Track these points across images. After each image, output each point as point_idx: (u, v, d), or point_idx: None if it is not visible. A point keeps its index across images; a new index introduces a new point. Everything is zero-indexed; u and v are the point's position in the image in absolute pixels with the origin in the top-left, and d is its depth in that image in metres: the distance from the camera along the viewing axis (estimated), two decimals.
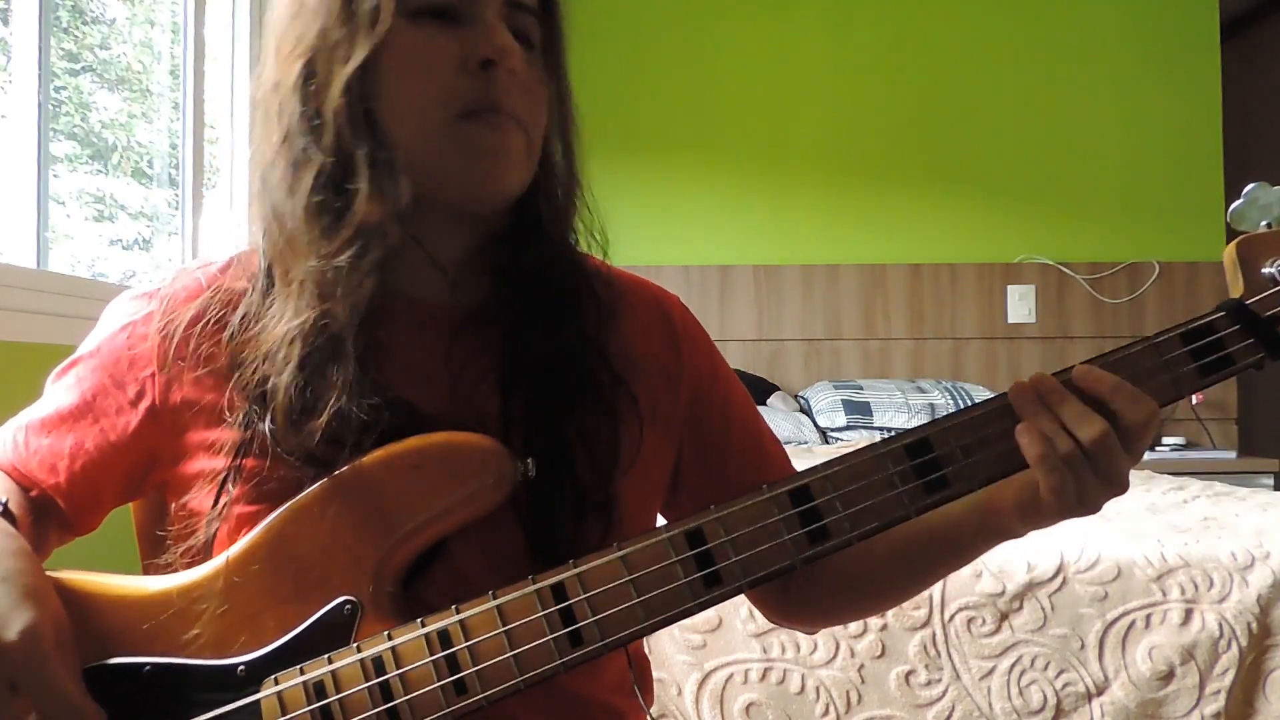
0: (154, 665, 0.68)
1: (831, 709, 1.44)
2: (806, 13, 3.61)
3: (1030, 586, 1.45)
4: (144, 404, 0.76)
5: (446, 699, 0.65)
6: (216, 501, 0.72)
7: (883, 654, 1.45)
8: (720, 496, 0.69)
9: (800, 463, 0.79)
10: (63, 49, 2.03)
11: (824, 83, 3.59)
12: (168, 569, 0.73)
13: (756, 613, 1.14)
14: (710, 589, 0.66)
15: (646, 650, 0.95)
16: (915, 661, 1.44)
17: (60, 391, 0.79)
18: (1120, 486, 0.68)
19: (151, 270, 2.27)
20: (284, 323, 0.72)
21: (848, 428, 3.10)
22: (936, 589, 1.45)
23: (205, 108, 2.30)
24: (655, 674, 1.43)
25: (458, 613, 0.66)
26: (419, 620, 0.66)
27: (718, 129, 3.59)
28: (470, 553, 0.73)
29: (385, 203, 0.72)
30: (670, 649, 1.46)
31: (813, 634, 1.44)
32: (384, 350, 0.74)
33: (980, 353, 3.53)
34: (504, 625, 0.65)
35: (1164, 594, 1.45)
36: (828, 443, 3.08)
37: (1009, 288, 3.52)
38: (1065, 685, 1.43)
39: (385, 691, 0.65)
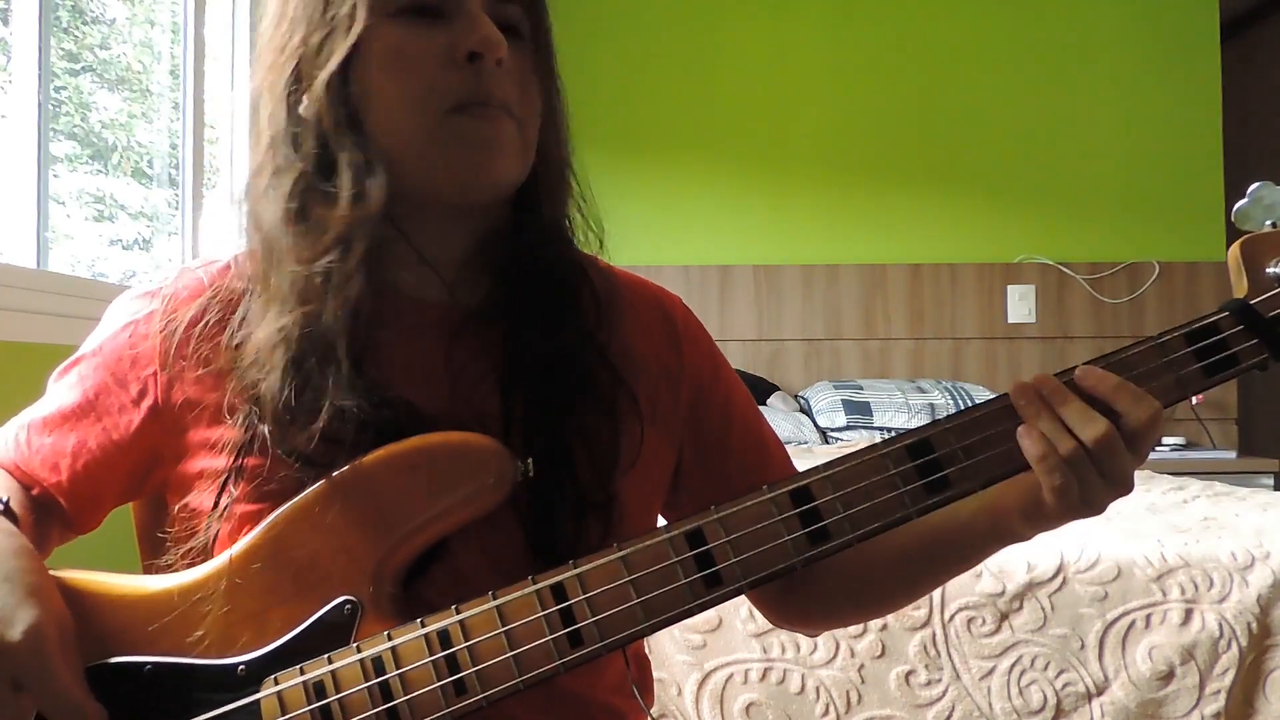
0: (154, 665, 0.68)
1: (831, 709, 1.44)
2: (806, 13, 3.60)
3: (1030, 586, 1.45)
4: (146, 403, 0.76)
5: (446, 699, 0.65)
6: (218, 501, 0.72)
7: (883, 654, 1.45)
8: (721, 496, 0.68)
9: (800, 463, 0.79)
10: (63, 49, 2.03)
11: (824, 83, 3.59)
12: (168, 569, 0.74)
13: (756, 613, 1.14)
14: (710, 590, 0.66)
15: (647, 650, 0.95)
16: (915, 661, 1.44)
17: (62, 390, 0.79)
18: (1125, 487, 0.68)
19: (151, 270, 2.27)
20: (266, 328, 0.72)
21: (848, 428, 3.10)
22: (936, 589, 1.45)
23: (205, 108, 2.30)
24: (655, 674, 1.43)
25: (458, 613, 0.66)
26: (419, 620, 0.66)
27: (718, 129, 3.59)
28: (470, 553, 0.73)
29: (368, 205, 0.72)
30: (670, 649, 1.46)
31: (814, 636, 1.44)
32: (383, 350, 0.74)
33: (980, 353, 3.53)
34: (504, 625, 0.65)
35: (1164, 594, 1.45)
36: (828, 443, 3.08)
37: (1009, 288, 3.52)
38: (1065, 685, 1.43)
39: (385, 691, 0.65)
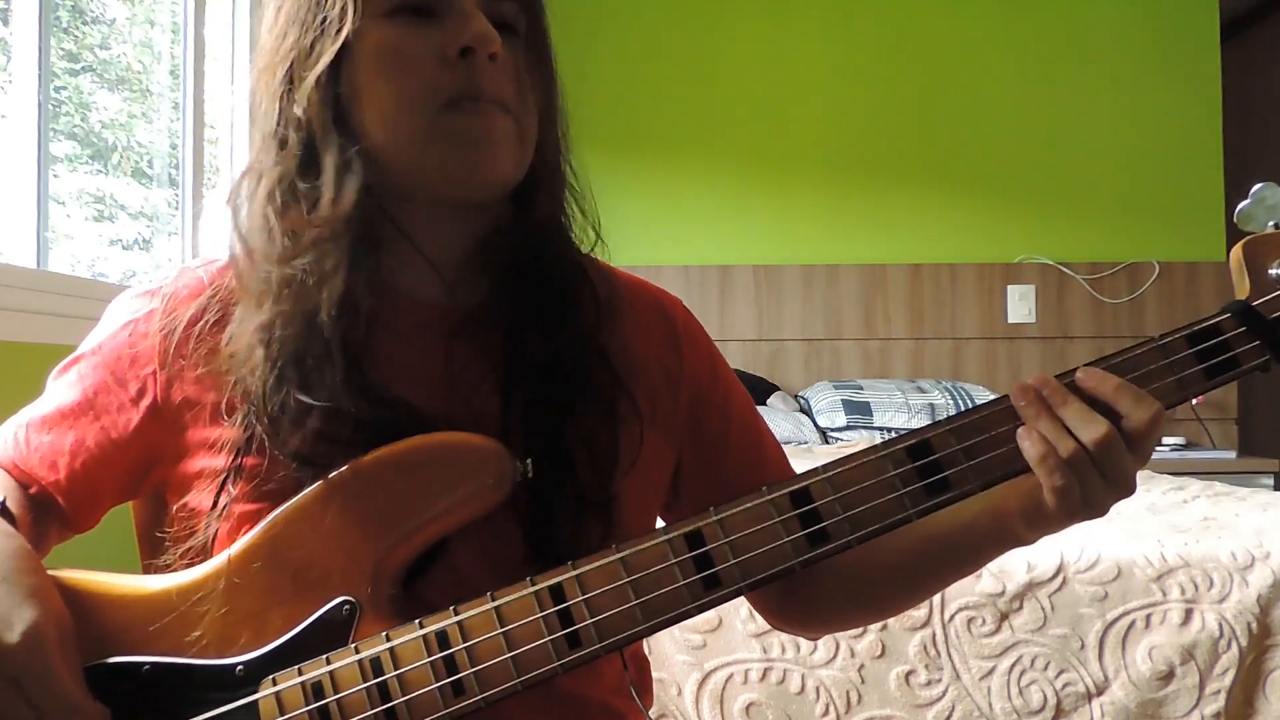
0: (153, 665, 0.67)
1: (831, 709, 1.43)
2: (806, 13, 3.60)
3: (1030, 586, 1.45)
4: (145, 402, 0.76)
5: (444, 700, 0.65)
6: (217, 501, 0.72)
7: (883, 654, 1.45)
8: (718, 497, 0.68)
9: (800, 463, 0.79)
10: (63, 49, 2.03)
11: (824, 83, 3.59)
12: (167, 569, 0.74)
13: (756, 612, 1.14)
14: (709, 591, 0.66)
15: (646, 651, 0.95)
16: (915, 661, 1.44)
17: (61, 389, 0.79)
18: (1127, 488, 0.67)
19: (151, 270, 2.27)
20: (246, 326, 0.73)
21: (848, 428, 3.10)
22: None
23: (205, 108, 2.30)
24: (655, 674, 1.43)
25: (456, 614, 0.66)
26: (417, 621, 0.66)
27: (718, 129, 3.59)
28: (469, 553, 0.73)
29: (341, 205, 0.72)
30: (670, 649, 1.46)
31: (815, 639, 1.44)
32: (382, 350, 0.74)
33: (980, 353, 3.53)
34: (502, 627, 0.65)
35: (1164, 594, 1.45)
36: (828, 443, 3.08)
37: (1009, 288, 3.52)
38: (1065, 685, 1.43)
39: (383, 692, 0.65)
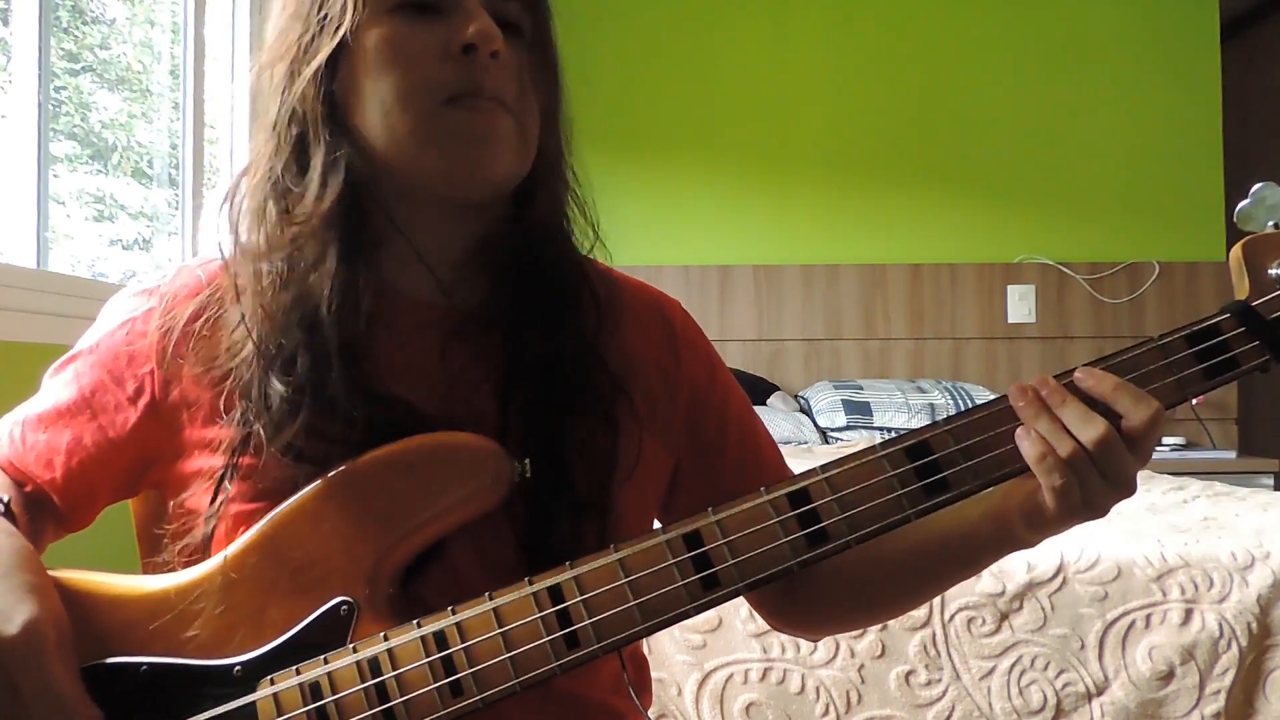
0: (150, 665, 0.67)
1: (831, 709, 1.43)
2: (806, 13, 3.60)
3: (1030, 586, 1.45)
4: (143, 401, 0.76)
5: (443, 700, 0.64)
6: (214, 499, 0.72)
7: (883, 654, 1.45)
8: (715, 500, 0.68)
9: (800, 463, 0.79)
10: (63, 49, 2.03)
11: (824, 83, 3.59)
12: (166, 567, 0.73)
13: (756, 613, 1.14)
14: (708, 591, 0.66)
15: (646, 651, 0.95)
16: (915, 661, 1.44)
17: (58, 387, 0.78)
18: (1127, 488, 0.67)
19: (152, 270, 2.26)
20: (244, 321, 0.73)
21: (848, 428, 3.10)
22: None
23: (205, 108, 2.30)
24: (655, 674, 1.43)
25: (454, 614, 0.66)
26: (415, 621, 0.66)
27: (718, 129, 3.59)
28: (467, 553, 0.73)
29: (323, 203, 0.72)
30: (670, 649, 1.46)
31: (816, 641, 1.43)
32: (380, 350, 0.74)
33: (980, 353, 3.53)
34: (500, 627, 0.65)
35: (1164, 594, 1.44)
36: (828, 443, 3.08)
37: (1009, 288, 3.52)
38: (1065, 685, 1.43)
39: (381, 693, 0.65)
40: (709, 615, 1.45)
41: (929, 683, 1.44)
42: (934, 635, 1.44)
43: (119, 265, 2.27)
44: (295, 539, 0.69)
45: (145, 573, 0.78)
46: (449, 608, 0.66)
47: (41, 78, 1.69)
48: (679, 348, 0.88)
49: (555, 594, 0.66)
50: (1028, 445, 0.66)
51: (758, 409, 3.01)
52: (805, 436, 3.02)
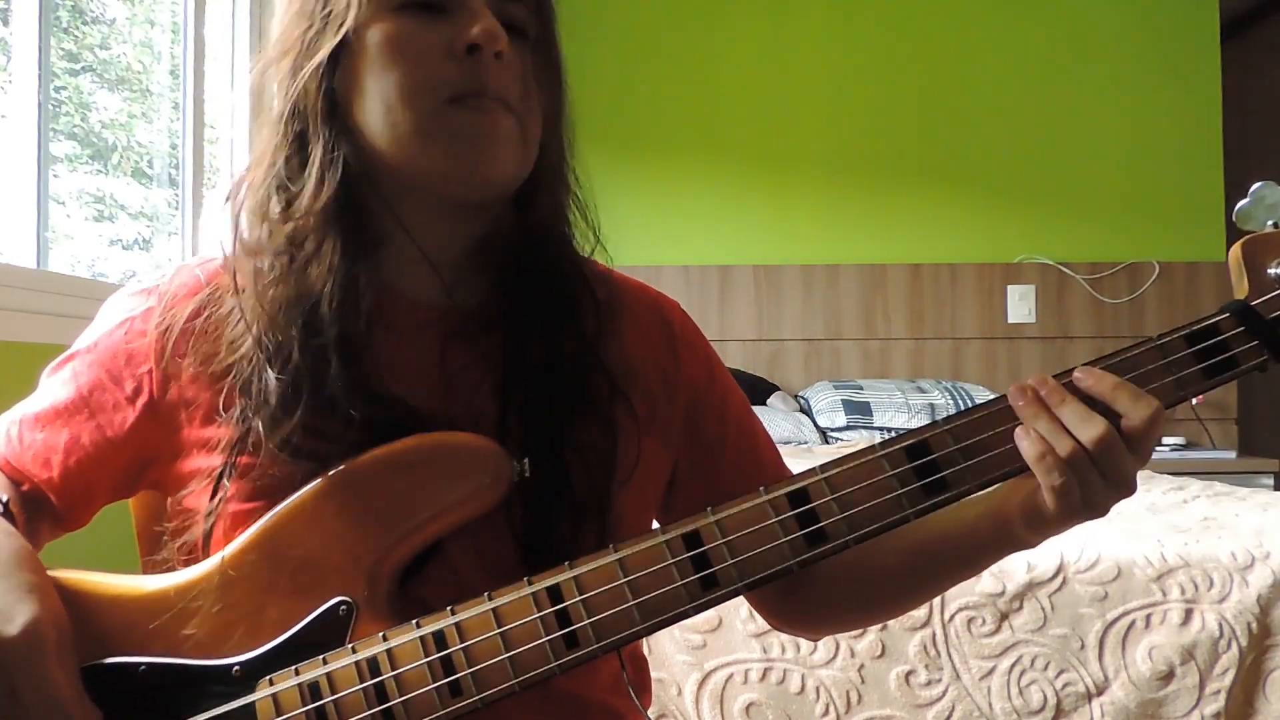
0: (149, 665, 0.67)
1: (831, 709, 1.43)
2: (806, 13, 3.60)
3: (1030, 586, 1.45)
4: (141, 400, 0.76)
5: (442, 700, 0.64)
6: (213, 498, 0.72)
7: (883, 654, 1.45)
8: (713, 500, 0.68)
9: (800, 463, 0.79)
10: (63, 49, 2.03)
11: (824, 83, 3.59)
12: (165, 565, 0.73)
13: (756, 613, 1.14)
14: (707, 591, 0.66)
15: (646, 651, 0.95)
16: (915, 661, 1.44)
17: (55, 386, 0.78)
18: (1127, 488, 0.67)
19: (152, 270, 2.26)
20: (245, 316, 0.73)
21: (848, 428, 3.10)
22: None
23: (205, 108, 2.30)
24: (655, 674, 1.43)
25: (453, 614, 0.66)
26: (414, 621, 0.66)
27: (718, 129, 3.59)
28: (465, 553, 0.73)
29: (319, 199, 0.73)
30: (670, 649, 1.46)
31: (816, 640, 1.43)
32: (379, 349, 0.74)
33: (980, 353, 3.53)
34: (500, 627, 0.65)
35: (1164, 594, 1.44)
36: (828, 443, 3.08)
37: (1009, 288, 3.52)
38: (1065, 685, 1.43)
39: (380, 693, 0.65)
40: (709, 615, 1.45)
41: (929, 683, 1.44)
42: (934, 635, 1.44)
43: (119, 265, 2.27)
44: (294, 538, 0.69)
45: (145, 571, 0.78)
46: (448, 608, 0.66)
47: (41, 78, 1.69)
48: (678, 349, 0.88)
49: (554, 594, 0.66)
50: (1027, 445, 0.66)
51: (758, 409, 2.99)
52: (805, 436, 3.02)
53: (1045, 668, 1.43)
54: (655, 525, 0.75)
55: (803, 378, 3.53)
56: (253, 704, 0.66)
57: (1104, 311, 3.50)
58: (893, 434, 0.77)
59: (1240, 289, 0.71)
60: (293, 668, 0.66)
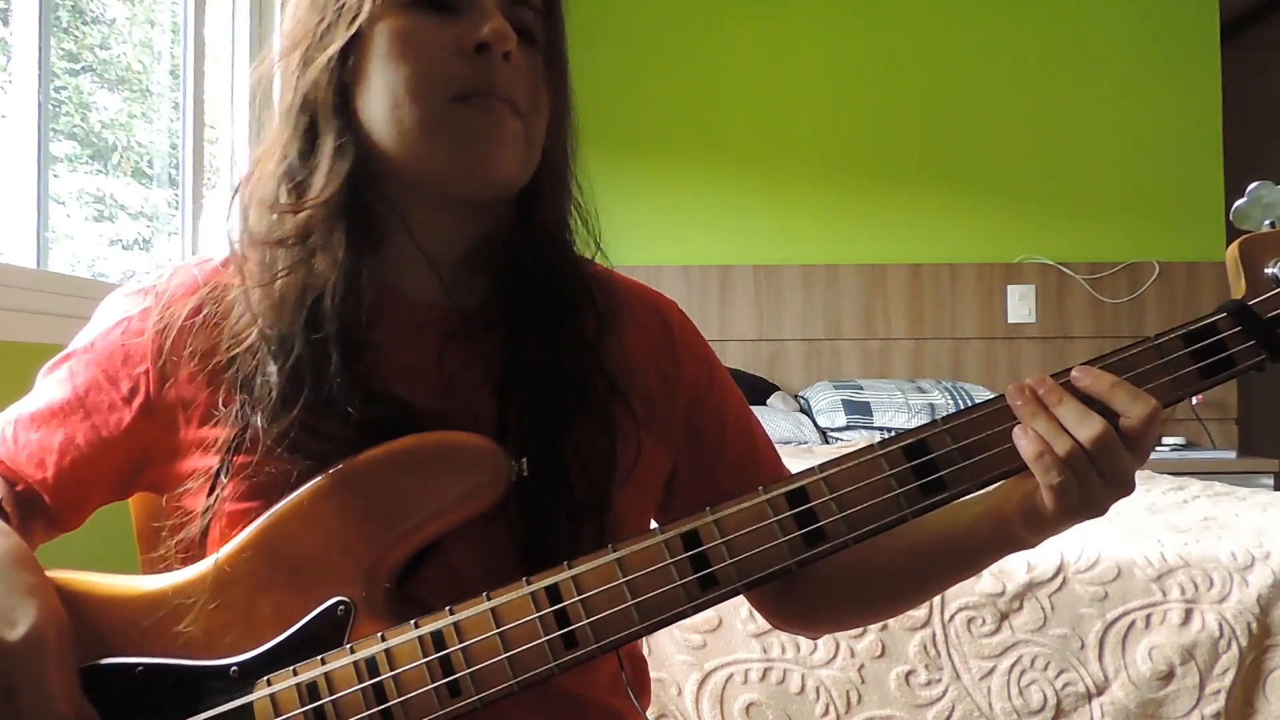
0: (147, 665, 0.67)
1: (831, 709, 1.43)
2: (806, 13, 3.60)
3: (1030, 586, 1.45)
4: (137, 400, 0.75)
5: (440, 701, 0.64)
6: (209, 496, 0.72)
7: (883, 654, 1.44)
8: (712, 499, 0.68)
9: (800, 463, 0.79)
10: (63, 49, 2.03)
11: (824, 83, 3.59)
12: (163, 562, 0.73)
13: (756, 612, 1.14)
14: (706, 591, 0.66)
15: (645, 651, 0.95)
16: (915, 661, 1.44)
17: (51, 386, 0.78)
18: (1126, 487, 0.67)
19: (151, 270, 2.26)
20: (242, 309, 0.73)
21: (848, 428, 3.10)
22: None
23: (205, 108, 2.30)
24: (655, 674, 1.43)
25: (452, 614, 0.66)
26: (413, 622, 0.66)
27: (718, 129, 3.59)
28: (463, 553, 0.73)
29: (328, 191, 0.73)
30: (670, 649, 1.46)
31: (816, 638, 1.44)
32: (378, 348, 0.74)
33: (980, 353, 3.53)
34: (498, 627, 0.65)
35: (1164, 594, 1.44)
36: (828, 443, 3.08)
37: (1009, 288, 3.52)
38: (1065, 685, 1.43)
39: (379, 693, 0.65)
40: (709, 615, 1.45)
41: (929, 683, 1.44)
42: (934, 635, 1.44)
43: (119, 265, 2.27)
44: (292, 537, 0.69)
45: (145, 569, 0.78)
46: (446, 608, 0.66)
47: (41, 78, 1.69)
48: (677, 349, 0.88)
49: (553, 594, 0.66)
50: (1025, 444, 0.66)
51: (757, 409, 2.99)
52: (805, 436, 3.02)
53: (1045, 668, 1.43)
54: (654, 525, 0.75)
55: (803, 378, 3.53)
56: (251, 704, 0.65)
57: (1104, 311, 3.50)
58: (892, 434, 0.77)
59: (1237, 289, 0.71)
60: (291, 668, 0.66)
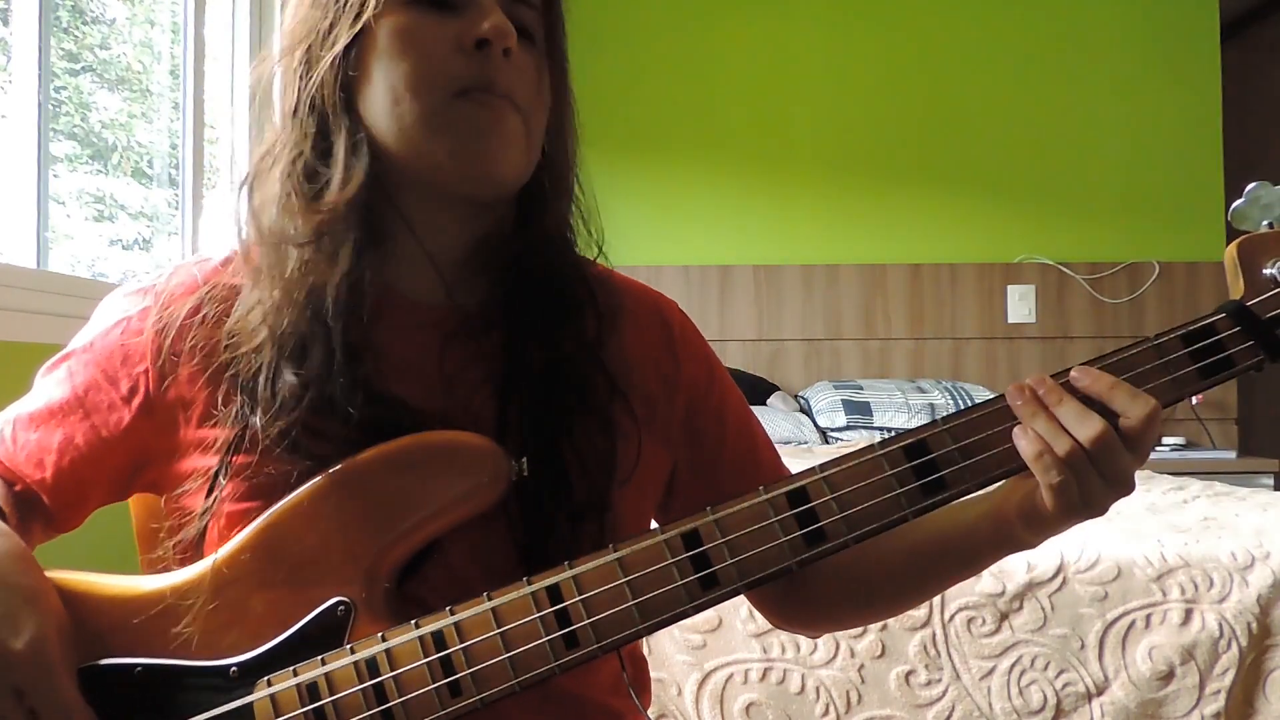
0: (145, 666, 0.67)
1: (831, 709, 1.43)
2: (806, 13, 3.60)
3: (1030, 586, 1.45)
4: (137, 400, 0.75)
5: (441, 701, 0.64)
6: (208, 496, 0.72)
7: (883, 654, 1.45)
8: (712, 499, 0.68)
9: (800, 463, 0.79)
10: (63, 49, 2.03)
11: (824, 83, 3.59)
12: (162, 563, 0.73)
13: (756, 612, 1.14)
14: (707, 591, 0.66)
15: (646, 651, 0.95)
16: (915, 661, 1.44)
17: (50, 385, 0.78)
18: (1125, 486, 0.67)
19: (151, 270, 2.26)
20: (250, 305, 0.73)
21: (848, 428, 3.10)
22: None
23: (205, 108, 2.30)
24: (655, 674, 1.43)
25: (452, 614, 0.66)
26: (413, 622, 0.66)
27: (718, 129, 3.59)
28: (464, 553, 0.73)
29: (349, 189, 0.73)
30: (670, 649, 1.46)
31: (816, 638, 1.44)
32: (379, 347, 0.74)
33: (980, 353, 3.53)
34: (499, 627, 0.65)
35: (1164, 594, 1.44)
36: (828, 443, 3.08)
37: (1009, 288, 3.52)
38: (1065, 685, 1.43)
39: (379, 693, 0.65)
40: (709, 615, 1.45)
41: (929, 683, 1.44)
42: (934, 635, 1.44)
43: (119, 265, 2.26)
44: (292, 537, 0.69)
45: (144, 569, 0.78)
46: (447, 608, 0.66)
47: (41, 78, 1.69)
48: (677, 349, 0.88)
49: (554, 594, 0.66)
50: (1025, 444, 0.66)
51: (757, 409, 2.99)
52: (805, 436, 3.02)
53: (1045, 668, 1.43)
54: (654, 525, 0.75)
55: (803, 378, 3.53)
56: (251, 705, 0.65)
57: (1104, 311, 3.50)
58: (893, 434, 0.77)
59: (1236, 289, 0.71)
60: (291, 668, 0.66)
